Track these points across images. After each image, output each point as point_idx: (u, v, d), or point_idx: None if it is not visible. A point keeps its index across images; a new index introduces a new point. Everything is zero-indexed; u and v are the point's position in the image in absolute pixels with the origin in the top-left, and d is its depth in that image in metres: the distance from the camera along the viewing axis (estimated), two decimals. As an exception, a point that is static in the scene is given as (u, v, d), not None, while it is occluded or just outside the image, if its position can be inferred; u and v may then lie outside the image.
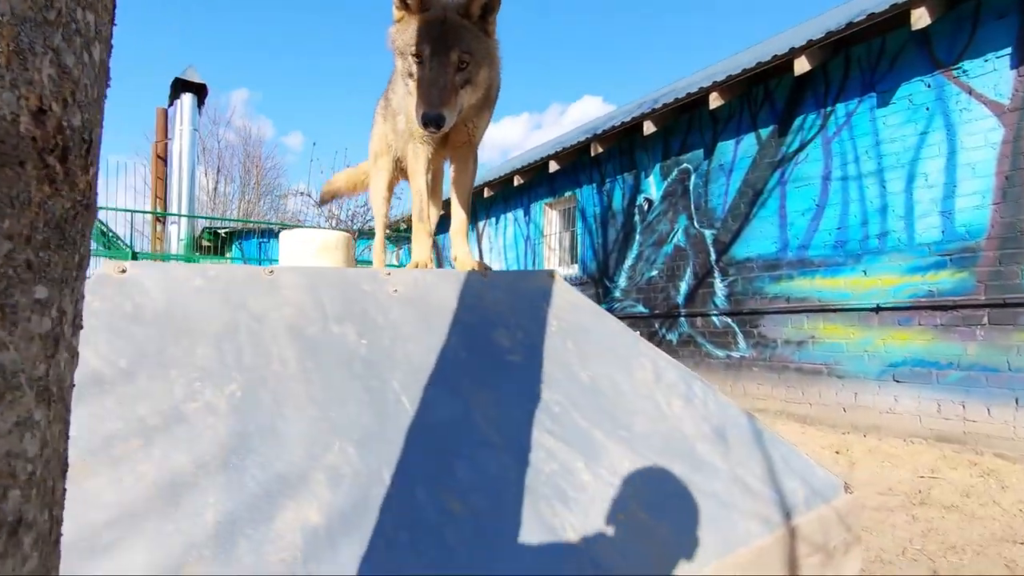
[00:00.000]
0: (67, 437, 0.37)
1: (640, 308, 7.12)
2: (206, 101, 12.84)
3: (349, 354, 1.13)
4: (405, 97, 1.59)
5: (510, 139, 43.63)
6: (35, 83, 0.30)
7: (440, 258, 10.88)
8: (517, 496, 1.05)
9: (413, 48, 1.40)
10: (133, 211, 9.14)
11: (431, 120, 1.38)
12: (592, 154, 7.40)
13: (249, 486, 0.85)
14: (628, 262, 7.36)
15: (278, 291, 1.17)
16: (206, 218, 12.61)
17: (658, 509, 1.18)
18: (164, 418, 0.87)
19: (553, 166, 8.08)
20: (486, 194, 9.64)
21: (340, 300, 1.23)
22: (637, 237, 7.25)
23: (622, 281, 7.43)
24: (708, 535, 1.18)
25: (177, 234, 10.59)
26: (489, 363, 1.30)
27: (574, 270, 8.39)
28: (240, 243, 12.04)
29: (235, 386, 0.97)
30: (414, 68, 1.42)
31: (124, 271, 1.03)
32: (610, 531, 1.09)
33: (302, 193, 15.13)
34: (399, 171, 2.02)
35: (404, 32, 1.41)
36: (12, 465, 0.29)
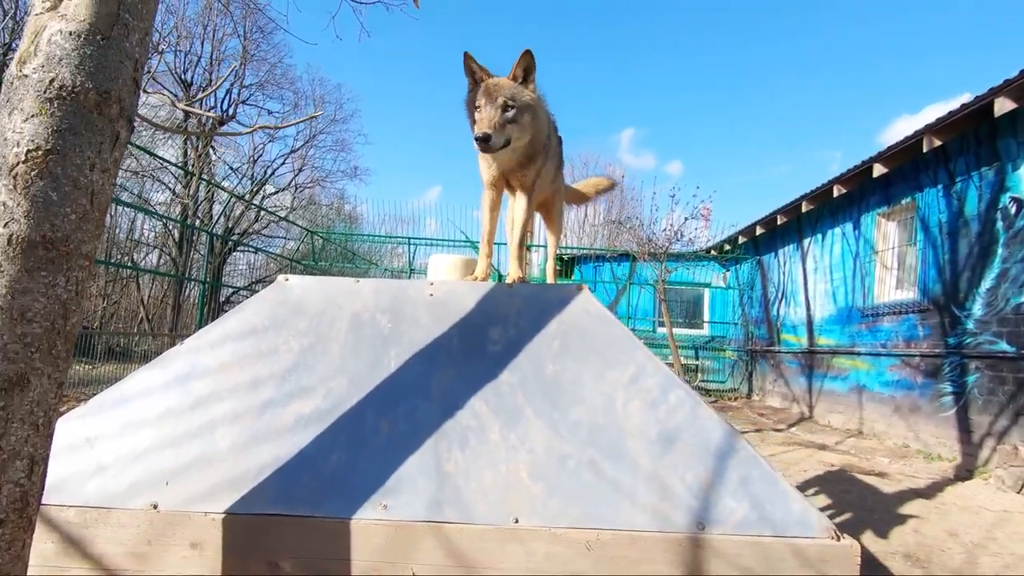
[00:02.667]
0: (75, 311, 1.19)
1: (1003, 345, 5.30)
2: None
3: (376, 332, 1.83)
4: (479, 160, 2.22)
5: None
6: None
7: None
8: (429, 432, 1.54)
9: (476, 102, 2.01)
10: (501, 244, 11.94)
11: (479, 138, 1.94)
12: (924, 149, 5.94)
13: (285, 388, 1.65)
14: (986, 284, 5.57)
15: (358, 294, 1.96)
16: (555, 246, 15.04)
17: (542, 474, 1.45)
18: (268, 351, 1.76)
19: (879, 169, 6.77)
20: (804, 208, 8.66)
21: (389, 300, 1.94)
22: (1000, 250, 5.44)
23: (977, 309, 5.66)
24: (578, 508, 1.39)
25: (537, 261, 13.27)
26: (471, 349, 1.78)
27: (912, 294, 6.76)
28: (579, 266, 14.01)
29: (307, 340, 1.80)
30: (474, 115, 2.01)
31: (287, 279, 2.00)
32: (485, 476, 1.45)
33: (614, 222, 16.33)
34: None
35: (472, 95, 2.04)
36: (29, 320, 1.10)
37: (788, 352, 9.77)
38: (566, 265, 14.21)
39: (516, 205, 2.24)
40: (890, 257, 7.34)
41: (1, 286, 0.96)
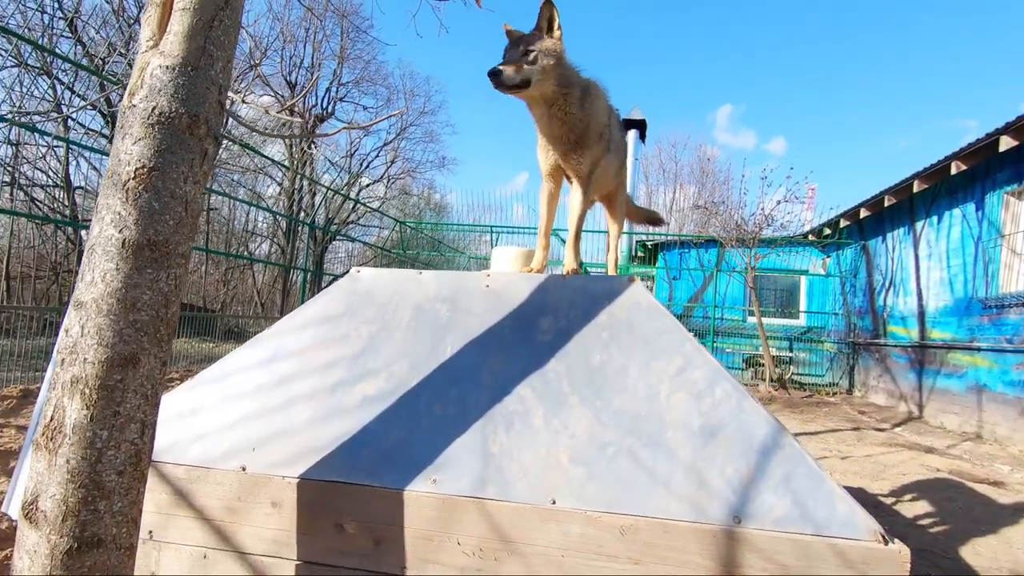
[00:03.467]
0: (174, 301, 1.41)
1: None
2: (647, 133, 15.12)
3: (435, 320, 1.96)
4: (537, 151, 2.26)
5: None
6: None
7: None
8: (477, 415, 1.65)
9: None
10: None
11: (490, 73, 1.96)
12: (1065, 118, 5.17)
13: (354, 370, 1.83)
14: None
15: (420, 284, 2.11)
16: (636, 234, 14.64)
17: (581, 459, 1.52)
18: (342, 336, 1.95)
19: (1007, 142, 5.99)
20: (916, 188, 7.84)
21: (449, 290, 2.06)
22: None
23: None
24: (614, 493, 1.44)
25: (618, 247, 13.21)
26: (522, 338, 1.86)
27: (1046, 283, 5.95)
28: (664, 253, 13.60)
29: (375, 327, 1.97)
30: None
31: (359, 271, 2.19)
32: (527, 457, 1.54)
33: (700, 206, 15.54)
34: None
35: None
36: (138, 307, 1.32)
37: (896, 345, 8.95)
38: (650, 252, 13.87)
39: (572, 196, 2.28)
40: (1020, 241, 6.49)
41: (117, 281, 1.18)
